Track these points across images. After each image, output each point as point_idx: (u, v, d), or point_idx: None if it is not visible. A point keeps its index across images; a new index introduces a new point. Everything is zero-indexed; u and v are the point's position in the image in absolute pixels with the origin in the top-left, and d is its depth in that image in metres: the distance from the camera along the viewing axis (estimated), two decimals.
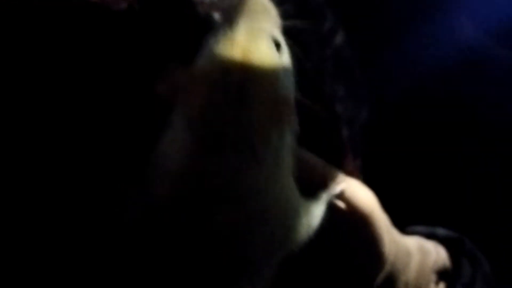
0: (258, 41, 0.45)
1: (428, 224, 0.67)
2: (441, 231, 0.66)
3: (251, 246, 0.43)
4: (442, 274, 0.62)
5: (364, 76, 0.69)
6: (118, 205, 0.45)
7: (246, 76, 0.43)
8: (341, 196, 0.50)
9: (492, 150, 0.77)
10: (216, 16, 0.50)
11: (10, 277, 0.47)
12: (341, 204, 0.50)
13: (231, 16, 0.47)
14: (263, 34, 0.46)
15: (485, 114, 0.78)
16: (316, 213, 0.48)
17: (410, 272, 0.57)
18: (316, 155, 0.52)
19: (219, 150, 0.41)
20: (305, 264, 0.49)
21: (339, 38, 0.66)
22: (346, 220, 0.50)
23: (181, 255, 0.43)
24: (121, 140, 0.50)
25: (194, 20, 0.53)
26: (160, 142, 0.44)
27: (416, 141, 0.77)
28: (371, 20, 0.77)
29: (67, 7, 0.51)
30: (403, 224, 0.60)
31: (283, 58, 0.46)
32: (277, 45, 0.46)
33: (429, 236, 0.65)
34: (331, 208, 0.50)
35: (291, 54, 0.47)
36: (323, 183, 0.50)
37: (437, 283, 0.61)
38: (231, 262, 0.43)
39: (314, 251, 0.47)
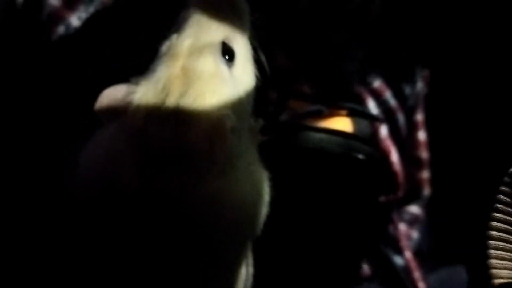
0: (201, 55, 0.44)
1: None
2: None
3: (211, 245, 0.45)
4: None
5: None
6: None
7: (183, 95, 0.43)
8: None
9: None
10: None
11: None
12: None
13: (182, 23, 0.46)
14: (210, 47, 0.44)
15: None
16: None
17: None
18: None
19: (162, 167, 0.42)
20: None
21: None
22: None
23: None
24: None
25: None
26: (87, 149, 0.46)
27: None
28: None
29: None
30: None
31: (237, 69, 0.45)
32: (230, 54, 0.45)
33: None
34: None
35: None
36: None
37: None
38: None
39: None
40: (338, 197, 0.57)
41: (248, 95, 0.46)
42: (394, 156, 0.62)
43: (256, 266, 0.52)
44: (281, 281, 0.57)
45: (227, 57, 0.45)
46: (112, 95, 0.44)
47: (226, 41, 0.45)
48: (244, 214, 0.46)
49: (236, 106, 0.44)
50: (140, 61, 0.49)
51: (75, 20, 0.58)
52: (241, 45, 0.46)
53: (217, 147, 0.42)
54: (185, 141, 0.42)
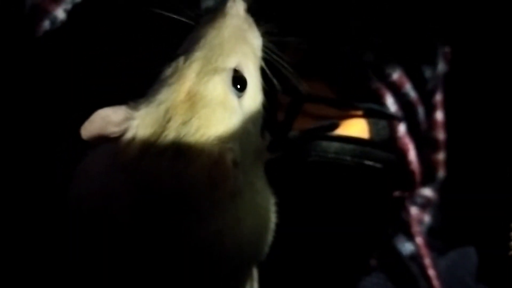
0: (210, 81, 0.39)
1: None
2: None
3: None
4: None
5: None
6: None
7: (186, 123, 0.39)
8: None
9: None
10: None
11: None
12: None
13: (190, 45, 0.41)
14: (221, 73, 0.40)
15: None
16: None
17: None
18: None
19: (157, 205, 0.38)
20: None
21: None
22: None
23: None
24: None
25: None
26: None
27: None
28: None
29: None
30: None
31: (246, 100, 0.41)
32: (242, 83, 0.40)
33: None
34: None
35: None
36: None
37: None
38: None
39: None
40: (351, 202, 0.54)
41: (256, 127, 0.42)
42: (412, 154, 0.58)
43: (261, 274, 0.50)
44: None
45: (238, 86, 0.40)
46: (105, 118, 0.39)
47: (238, 69, 0.40)
48: (248, 249, 0.43)
49: (242, 139, 0.40)
50: (134, 61, 0.44)
51: (61, 13, 0.52)
52: (253, 74, 0.41)
53: (219, 186, 0.38)
54: (183, 178, 0.38)
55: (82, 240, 0.42)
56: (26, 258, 0.51)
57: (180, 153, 0.38)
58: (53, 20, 0.52)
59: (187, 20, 0.43)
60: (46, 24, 0.52)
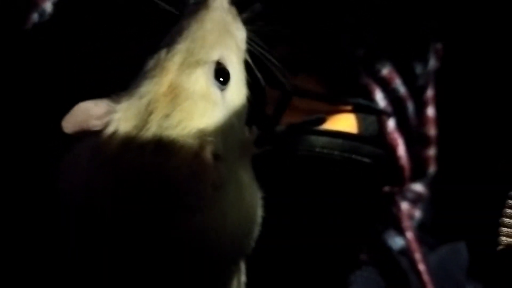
0: (193, 73, 0.39)
1: None
2: None
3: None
4: None
5: None
6: None
7: (168, 116, 0.38)
8: None
9: None
10: None
11: None
12: None
13: (173, 38, 0.41)
14: (203, 65, 0.39)
15: None
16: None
17: None
18: None
19: (138, 199, 0.38)
20: None
21: None
22: None
23: None
24: None
25: None
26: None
27: None
28: None
29: None
30: None
31: (229, 93, 0.40)
32: (225, 76, 0.40)
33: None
34: None
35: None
36: None
37: None
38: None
39: None
40: (340, 197, 0.54)
41: (240, 120, 0.42)
42: (401, 150, 0.57)
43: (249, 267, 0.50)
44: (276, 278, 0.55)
45: (221, 79, 0.40)
46: (86, 111, 0.39)
47: (221, 61, 0.40)
48: (234, 243, 0.43)
49: (225, 133, 0.40)
50: (125, 56, 0.44)
51: (49, 6, 0.52)
52: (236, 67, 0.41)
53: (200, 178, 0.37)
54: (164, 172, 0.37)
55: (71, 235, 0.42)
56: (20, 254, 0.51)
57: (162, 147, 0.38)
58: (42, 13, 0.52)
59: (177, 12, 0.42)
60: (35, 16, 0.52)
